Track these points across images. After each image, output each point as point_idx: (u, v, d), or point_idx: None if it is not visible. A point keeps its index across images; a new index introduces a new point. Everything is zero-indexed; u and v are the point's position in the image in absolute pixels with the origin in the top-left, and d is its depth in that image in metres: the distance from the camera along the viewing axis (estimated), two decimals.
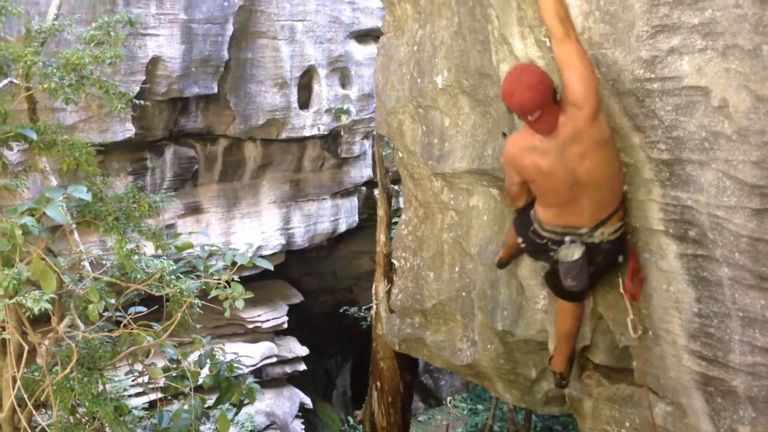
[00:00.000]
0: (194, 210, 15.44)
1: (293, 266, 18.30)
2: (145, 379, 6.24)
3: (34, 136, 5.07)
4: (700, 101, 3.51)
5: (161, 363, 6.13)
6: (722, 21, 3.34)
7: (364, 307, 13.16)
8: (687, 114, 3.58)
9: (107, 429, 5.59)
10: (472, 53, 5.27)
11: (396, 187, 13.19)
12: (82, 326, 5.38)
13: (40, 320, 5.11)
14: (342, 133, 16.74)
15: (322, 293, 20.40)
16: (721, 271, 3.72)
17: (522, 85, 3.92)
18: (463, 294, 6.29)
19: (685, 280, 3.98)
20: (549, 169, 4.05)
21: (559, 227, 4.27)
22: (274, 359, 17.34)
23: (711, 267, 3.79)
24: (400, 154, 6.78)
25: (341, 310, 16.23)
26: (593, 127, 3.81)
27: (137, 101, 6.42)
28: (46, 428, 5.11)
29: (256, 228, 16.25)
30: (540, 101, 3.86)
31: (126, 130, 13.08)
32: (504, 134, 5.02)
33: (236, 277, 5.16)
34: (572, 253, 4.23)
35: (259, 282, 15.56)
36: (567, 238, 4.24)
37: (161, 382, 6.14)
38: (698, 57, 3.47)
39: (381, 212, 11.14)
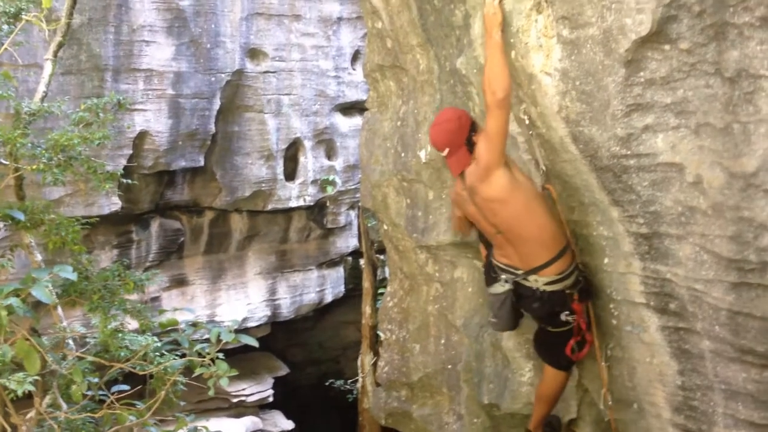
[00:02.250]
0: (180, 282, 15.34)
1: (279, 337, 18.10)
2: None
3: (21, 217, 5.08)
4: (675, 177, 3.58)
5: None
6: (694, 100, 3.42)
7: (350, 380, 13.00)
8: (663, 189, 3.65)
9: None
10: None
11: (382, 257, 13.19)
12: (64, 406, 5.30)
13: (22, 397, 5.05)
14: (328, 204, 16.81)
15: (308, 365, 20.13)
16: (702, 343, 3.74)
17: (436, 122, 4.29)
18: (449, 366, 6.26)
19: (668, 353, 3.99)
20: (473, 214, 4.35)
21: (502, 264, 4.44)
22: None
23: (693, 339, 3.81)
24: (385, 227, 6.83)
25: (327, 383, 15.97)
26: (484, 186, 4.11)
27: (124, 180, 6.46)
28: None
29: (241, 299, 16.14)
30: (445, 140, 4.18)
31: (112, 204, 13.08)
32: None
33: (221, 355, 5.14)
34: (499, 287, 4.44)
35: (244, 354, 15.34)
36: (503, 276, 4.43)
37: None
38: (672, 134, 3.55)
39: (366, 284, 11.13)
